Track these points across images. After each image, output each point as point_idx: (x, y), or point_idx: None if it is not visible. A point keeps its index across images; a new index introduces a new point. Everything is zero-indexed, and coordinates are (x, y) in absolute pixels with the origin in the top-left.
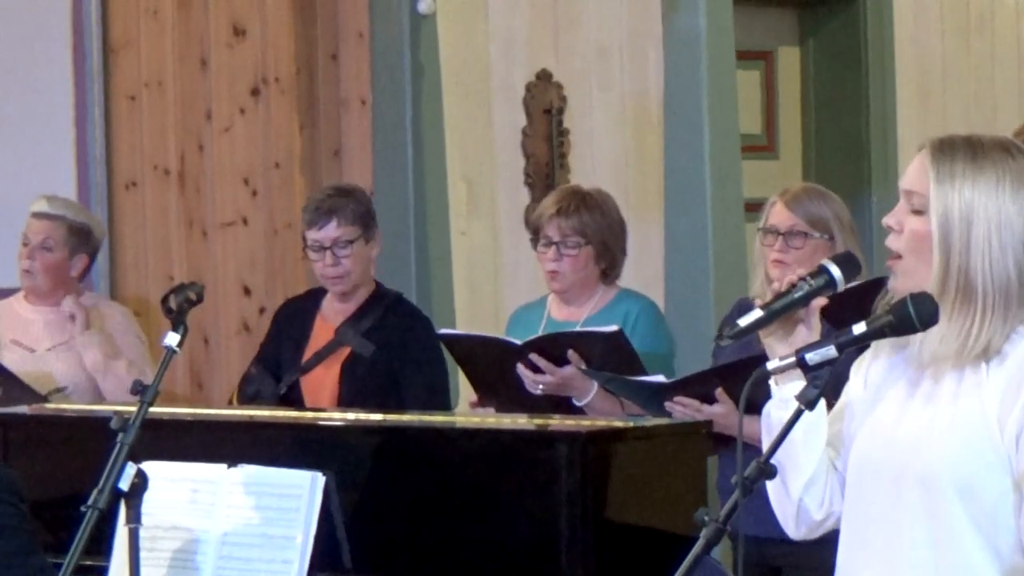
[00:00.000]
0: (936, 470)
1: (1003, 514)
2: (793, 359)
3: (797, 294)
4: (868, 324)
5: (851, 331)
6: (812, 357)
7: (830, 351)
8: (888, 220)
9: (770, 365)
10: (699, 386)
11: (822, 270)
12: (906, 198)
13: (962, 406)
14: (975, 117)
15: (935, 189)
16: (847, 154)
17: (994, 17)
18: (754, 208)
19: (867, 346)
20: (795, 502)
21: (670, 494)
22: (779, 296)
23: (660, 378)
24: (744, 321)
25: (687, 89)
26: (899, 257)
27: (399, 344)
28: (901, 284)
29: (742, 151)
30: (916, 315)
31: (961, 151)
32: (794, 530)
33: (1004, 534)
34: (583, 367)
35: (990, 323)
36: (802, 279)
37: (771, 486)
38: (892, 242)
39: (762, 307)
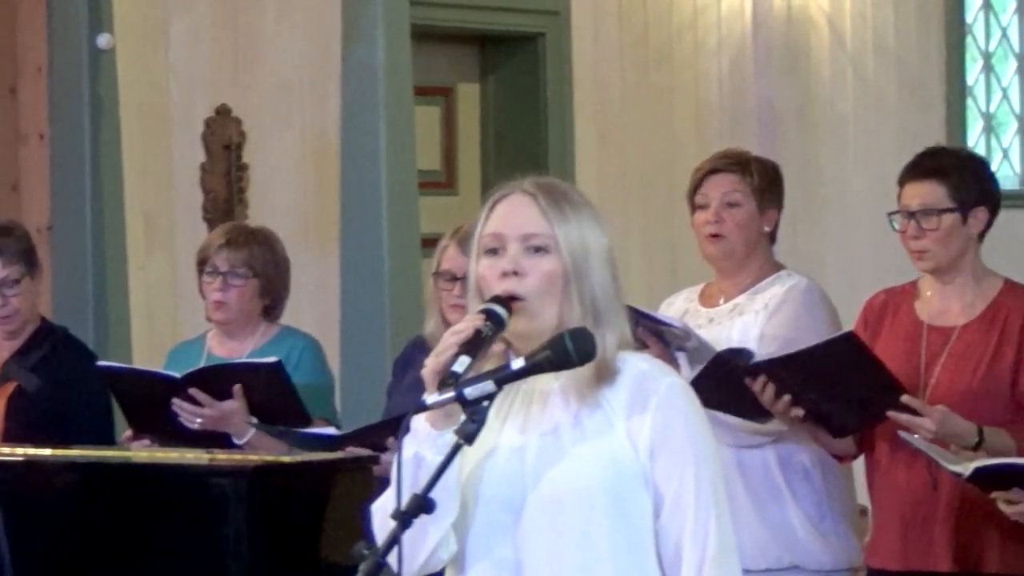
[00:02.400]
0: (591, 490)
1: (645, 526)
2: (452, 394)
3: (484, 339)
4: (527, 359)
5: (509, 366)
6: (471, 392)
7: (488, 386)
8: (505, 267)
9: (429, 399)
10: (371, 437)
11: (491, 314)
12: (521, 242)
13: (592, 428)
14: (653, 152)
15: (559, 228)
16: None
17: (672, 54)
18: (432, 244)
19: None
20: (433, 545)
21: (338, 528)
22: (470, 342)
23: (332, 430)
24: (459, 367)
25: (364, 124)
26: (522, 298)
27: (66, 380)
28: (527, 326)
29: (421, 187)
30: (575, 350)
31: (558, 192)
32: (418, 570)
33: (648, 545)
34: (254, 421)
35: (612, 346)
36: (485, 323)
37: (380, 530)
38: (516, 286)
39: (465, 354)
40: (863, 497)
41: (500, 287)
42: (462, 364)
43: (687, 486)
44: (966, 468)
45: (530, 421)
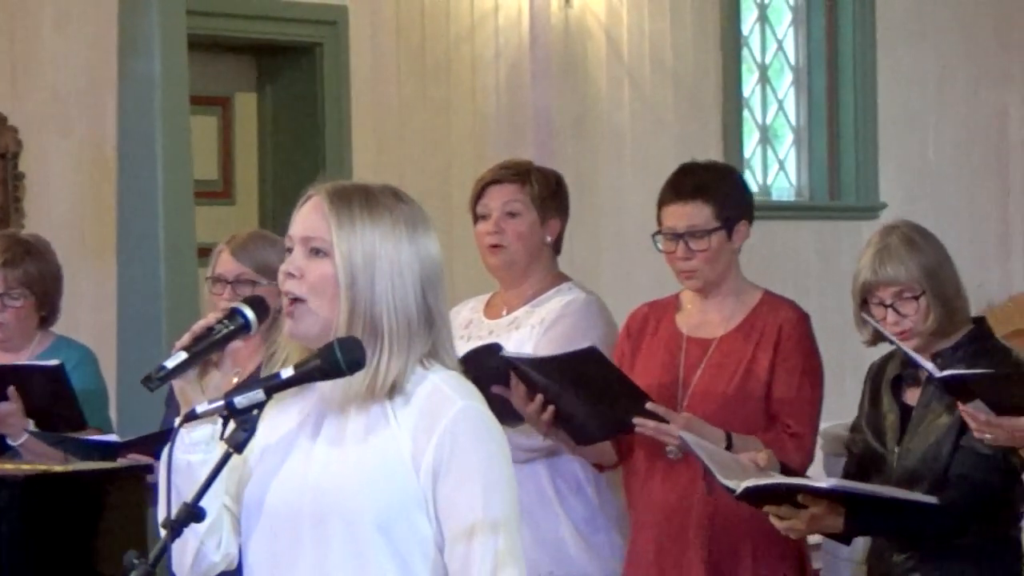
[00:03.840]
0: (358, 509)
1: (420, 551)
2: (222, 403)
3: (216, 336)
4: (296, 368)
5: (279, 375)
6: (240, 401)
7: (258, 395)
8: (286, 268)
9: (199, 408)
10: (149, 445)
11: (236, 312)
12: (303, 244)
13: (374, 445)
14: (431, 163)
15: (337, 234)
16: None
17: (450, 66)
18: (209, 253)
19: None
20: (196, 545)
21: (111, 537)
22: (199, 338)
23: (113, 438)
24: (170, 363)
25: (141, 134)
26: (300, 300)
27: None
28: (304, 327)
29: (198, 196)
30: (344, 360)
31: (357, 197)
32: (189, 572)
33: (422, 570)
34: (32, 429)
35: (396, 361)
36: (219, 321)
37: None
38: (293, 287)
39: (184, 349)
40: None
41: (283, 287)
42: (176, 359)
43: (474, 514)
44: (737, 485)
45: (324, 432)
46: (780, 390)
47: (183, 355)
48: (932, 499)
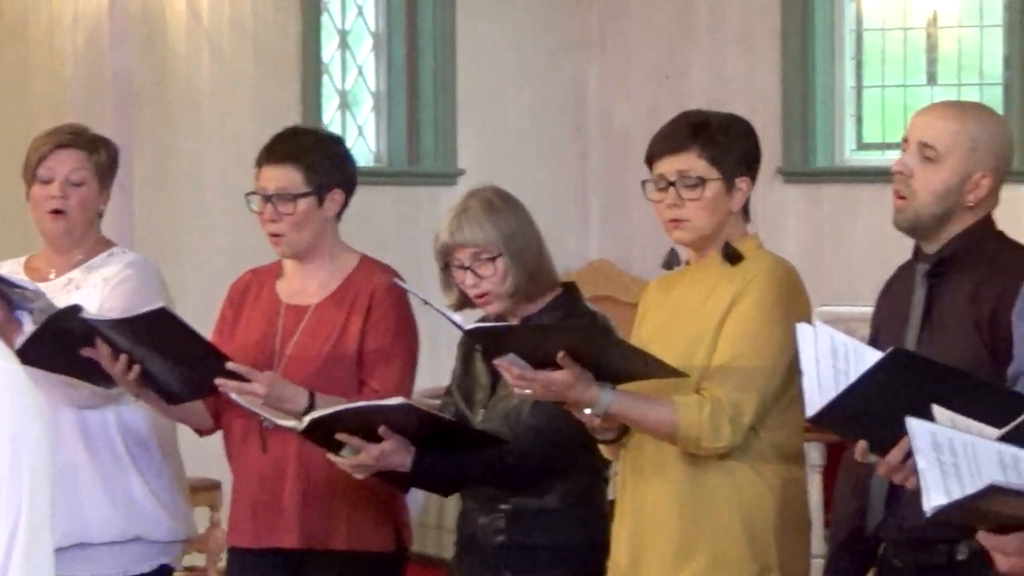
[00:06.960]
0: None
1: None
2: None
3: None
4: None
5: None
6: None
7: None
8: None
9: None
10: None
11: None
12: None
13: None
14: (8, 126)
15: None
16: None
17: (27, 28)
18: None
19: None
20: None
21: None
22: None
23: None
24: None
25: None
26: None
27: None
28: None
29: None
30: None
31: None
32: None
33: None
34: None
35: None
36: None
37: None
38: None
39: None
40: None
41: None
42: None
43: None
44: (300, 423)
45: None
46: (371, 353)
47: None
48: (501, 435)
